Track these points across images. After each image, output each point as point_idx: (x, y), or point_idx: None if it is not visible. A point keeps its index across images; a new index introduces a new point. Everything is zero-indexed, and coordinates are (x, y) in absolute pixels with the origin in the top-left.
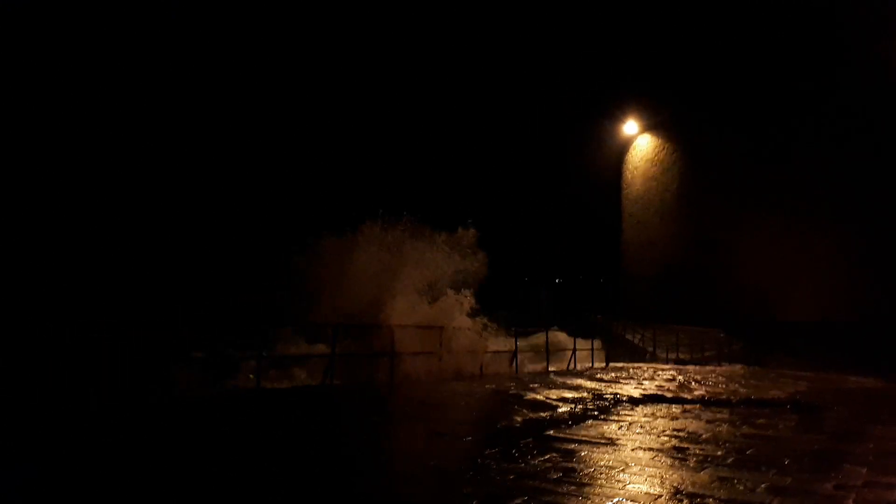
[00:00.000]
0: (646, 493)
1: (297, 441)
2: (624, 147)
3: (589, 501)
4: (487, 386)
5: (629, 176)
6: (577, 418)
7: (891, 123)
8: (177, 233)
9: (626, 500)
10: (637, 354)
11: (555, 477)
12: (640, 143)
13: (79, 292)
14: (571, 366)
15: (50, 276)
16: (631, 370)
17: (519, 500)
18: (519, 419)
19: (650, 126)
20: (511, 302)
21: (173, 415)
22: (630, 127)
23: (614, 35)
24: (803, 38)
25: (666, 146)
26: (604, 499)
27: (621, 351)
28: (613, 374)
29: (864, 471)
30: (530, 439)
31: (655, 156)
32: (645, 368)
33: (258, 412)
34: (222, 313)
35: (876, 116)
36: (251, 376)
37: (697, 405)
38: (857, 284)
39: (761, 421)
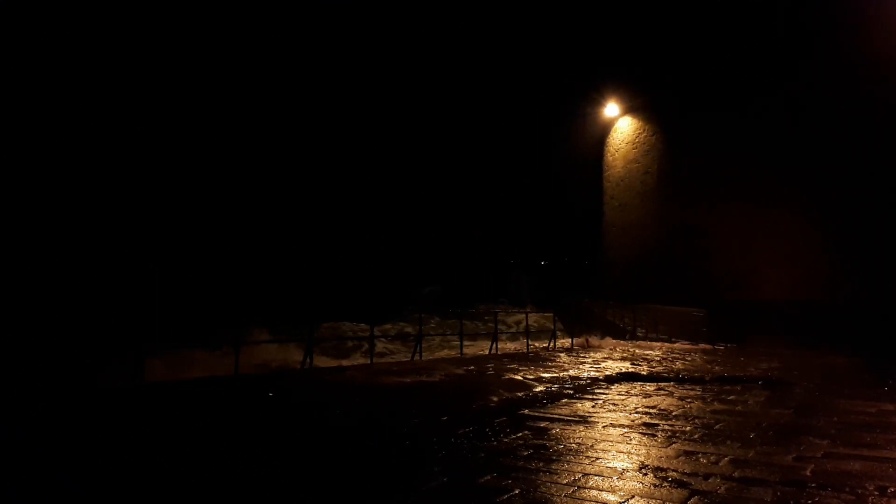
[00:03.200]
0: (612, 469)
1: (291, 417)
2: (605, 130)
3: (556, 476)
4: (467, 367)
5: (610, 158)
6: (552, 397)
7: (860, 109)
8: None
9: (593, 474)
10: (617, 333)
11: (525, 454)
12: (620, 126)
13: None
14: (552, 345)
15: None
16: (610, 349)
17: (488, 477)
18: (495, 399)
19: (631, 108)
20: (497, 285)
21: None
22: (611, 109)
23: (594, 17)
24: (776, 23)
25: (646, 128)
26: (571, 474)
27: (602, 330)
28: (592, 353)
29: (825, 443)
30: (504, 418)
31: (636, 138)
32: (624, 347)
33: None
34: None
35: (847, 102)
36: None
37: (671, 383)
38: (830, 266)
39: (732, 397)
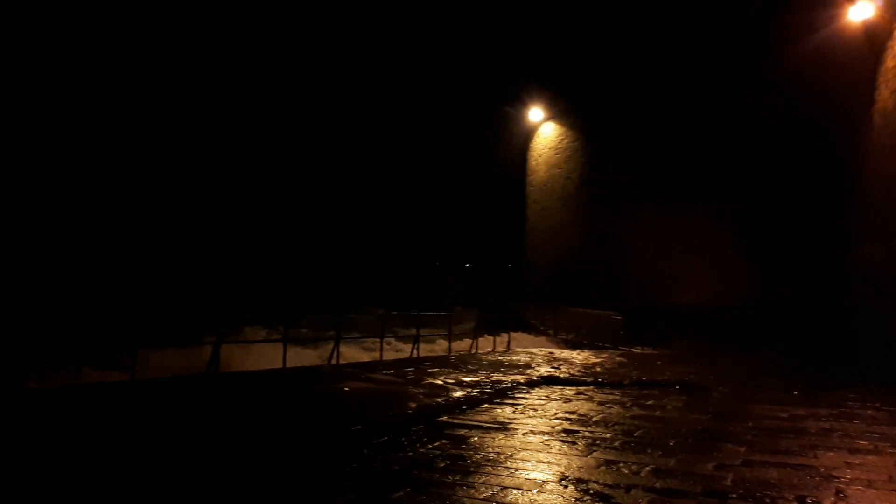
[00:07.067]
0: (531, 481)
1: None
2: (529, 134)
3: (473, 491)
4: (385, 372)
5: (534, 163)
6: (472, 402)
7: (771, 126)
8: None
9: (512, 488)
10: (539, 336)
11: (442, 466)
12: (544, 131)
13: None
14: (474, 350)
15: None
16: (532, 352)
17: (401, 492)
18: (413, 405)
19: (554, 114)
20: (422, 287)
21: None
22: (535, 114)
23: (520, 22)
24: (696, 37)
25: (569, 134)
26: (488, 487)
27: (524, 333)
28: (513, 356)
29: (743, 450)
30: (422, 426)
31: (559, 144)
32: (545, 350)
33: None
34: None
35: (760, 118)
36: None
37: (591, 387)
38: (742, 273)
39: (650, 402)
